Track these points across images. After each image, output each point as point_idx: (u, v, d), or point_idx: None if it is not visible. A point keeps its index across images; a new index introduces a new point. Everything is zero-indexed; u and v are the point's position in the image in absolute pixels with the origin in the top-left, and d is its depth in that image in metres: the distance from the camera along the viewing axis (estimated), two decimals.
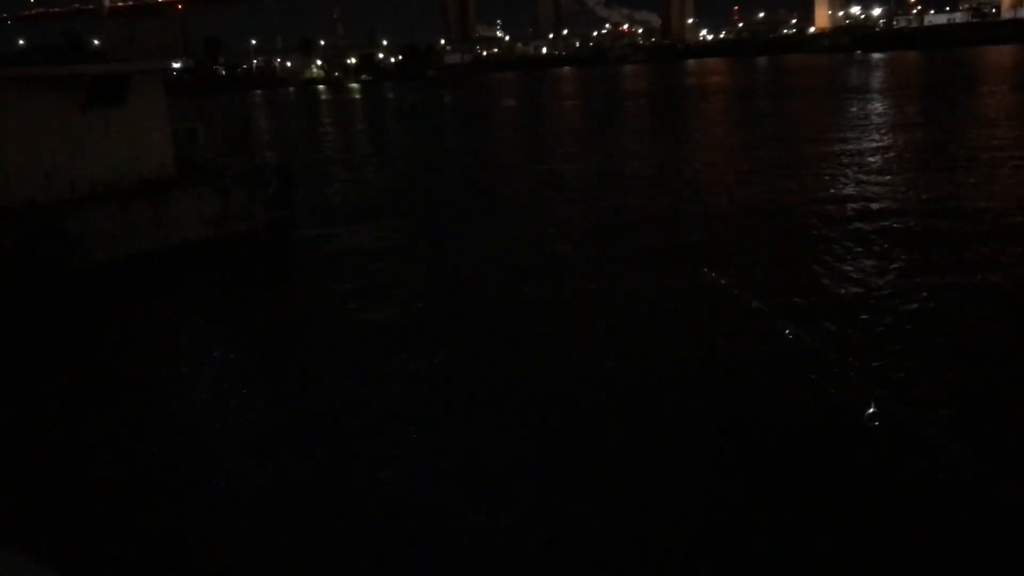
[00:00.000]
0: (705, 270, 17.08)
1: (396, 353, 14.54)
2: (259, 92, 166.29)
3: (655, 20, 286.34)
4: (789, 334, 12.85)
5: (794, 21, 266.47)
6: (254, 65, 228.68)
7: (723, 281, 15.64)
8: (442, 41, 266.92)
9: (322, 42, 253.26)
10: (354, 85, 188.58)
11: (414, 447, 11.15)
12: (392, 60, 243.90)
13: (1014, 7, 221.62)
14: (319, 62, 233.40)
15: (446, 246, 23.08)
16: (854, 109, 54.19)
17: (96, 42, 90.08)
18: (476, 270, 20.16)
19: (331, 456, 10.99)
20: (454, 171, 40.29)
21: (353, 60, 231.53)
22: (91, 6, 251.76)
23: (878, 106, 55.58)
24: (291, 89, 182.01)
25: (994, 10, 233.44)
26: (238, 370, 14.93)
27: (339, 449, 11.20)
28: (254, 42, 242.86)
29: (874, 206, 23.84)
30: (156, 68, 25.08)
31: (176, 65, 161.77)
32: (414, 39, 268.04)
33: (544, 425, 11.46)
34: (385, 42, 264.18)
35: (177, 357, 15.75)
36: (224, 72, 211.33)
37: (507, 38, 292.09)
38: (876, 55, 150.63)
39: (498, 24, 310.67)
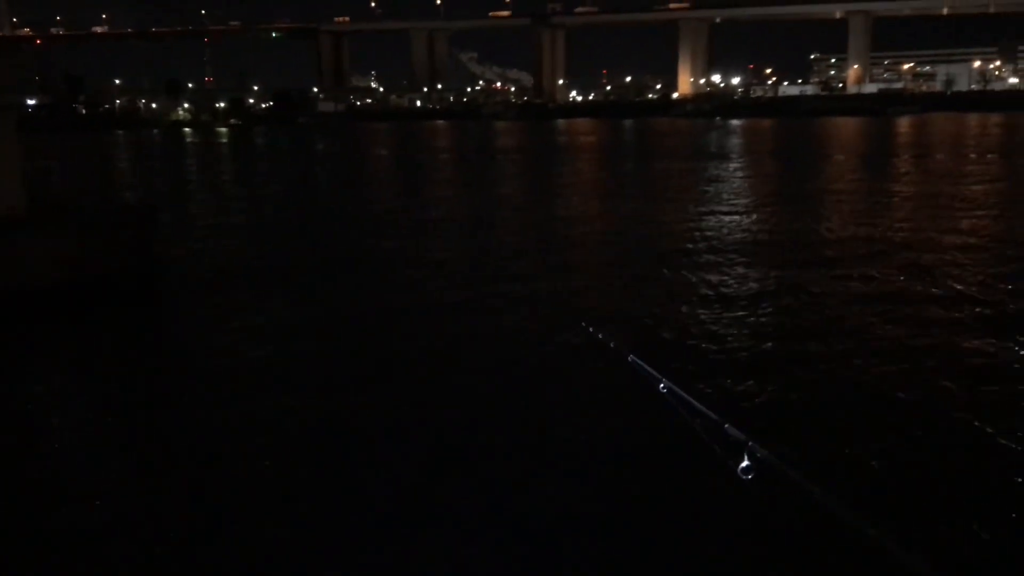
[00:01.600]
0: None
1: (259, 405, 14.21)
2: (121, 132, 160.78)
3: (527, 79, 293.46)
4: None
5: (659, 86, 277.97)
6: (117, 104, 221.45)
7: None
8: (315, 89, 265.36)
9: (190, 84, 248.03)
10: (223, 129, 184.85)
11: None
12: (263, 105, 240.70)
13: (858, 82, 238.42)
14: (186, 104, 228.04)
15: (314, 295, 22.75)
16: (713, 171, 56.88)
17: None
18: (347, 316, 19.98)
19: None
20: (324, 220, 39.89)
21: (222, 104, 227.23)
22: None
23: (734, 165, 58.52)
24: (155, 131, 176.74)
25: (841, 84, 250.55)
26: (84, 430, 14.23)
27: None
28: (118, 81, 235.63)
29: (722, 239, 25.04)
30: (6, 104, 23.99)
31: (31, 101, 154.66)
32: (286, 85, 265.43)
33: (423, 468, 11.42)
34: (256, 87, 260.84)
35: (12, 413, 14.90)
36: (85, 110, 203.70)
37: (381, 89, 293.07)
38: (735, 122, 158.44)
39: (372, 75, 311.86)
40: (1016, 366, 15.15)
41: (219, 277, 25.47)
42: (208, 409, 14.16)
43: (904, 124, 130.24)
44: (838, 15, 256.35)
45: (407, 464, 11.77)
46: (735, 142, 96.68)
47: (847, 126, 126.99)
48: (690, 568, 9.34)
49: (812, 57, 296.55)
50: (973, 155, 66.63)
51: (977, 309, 18.98)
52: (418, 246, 30.13)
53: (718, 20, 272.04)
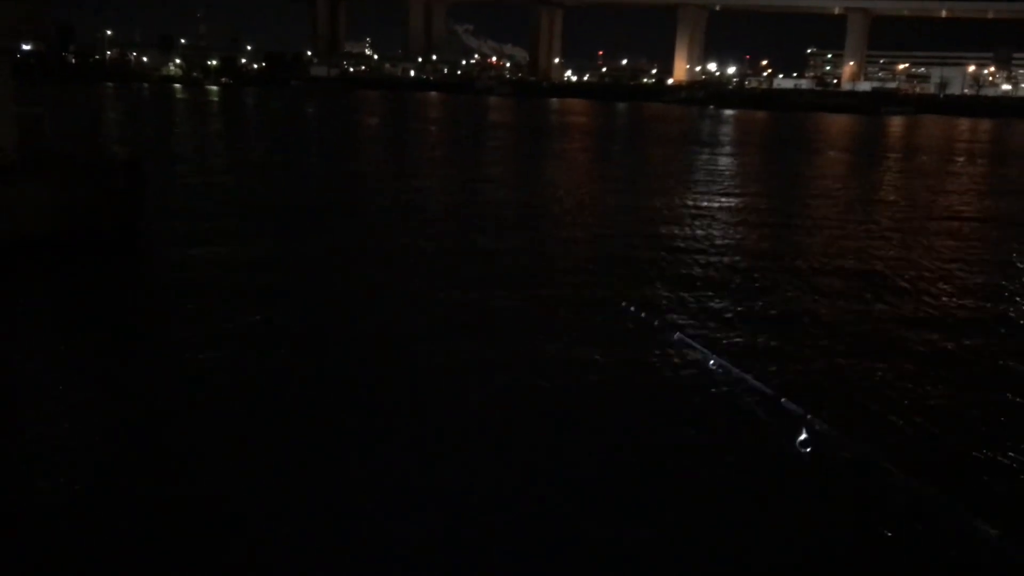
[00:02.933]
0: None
1: (244, 366, 14.27)
2: (111, 85, 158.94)
3: (523, 56, 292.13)
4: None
5: (654, 71, 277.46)
6: (107, 56, 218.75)
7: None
8: (308, 53, 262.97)
9: (183, 40, 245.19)
10: (213, 87, 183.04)
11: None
12: (255, 66, 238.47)
13: (853, 80, 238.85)
14: (177, 60, 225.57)
15: (300, 259, 22.72)
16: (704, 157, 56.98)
17: None
18: (332, 288, 19.97)
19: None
20: (312, 185, 39.73)
21: (214, 62, 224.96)
22: None
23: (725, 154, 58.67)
24: (145, 85, 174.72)
25: (835, 80, 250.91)
26: (62, 388, 14.23)
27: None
28: (109, 33, 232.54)
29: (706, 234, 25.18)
30: (3, 48, 23.65)
31: (26, 47, 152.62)
32: (280, 47, 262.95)
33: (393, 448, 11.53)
34: (249, 47, 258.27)
35: None
36: (75, 61, 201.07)
37: (375, 57, 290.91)
38: (728, 111, 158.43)
39: (367, 42, 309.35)
40: None
41: (203, 231, 25.38)
42: (177, 349, 14.22)
43: (896, 124, 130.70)
44: (837, 11, 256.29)
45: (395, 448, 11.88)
46: (729, 132, 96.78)
47: (840, 122, 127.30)
48: (747, 541, 9.42)
49: (808, 52, 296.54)
50: (961, 159, 67.08)
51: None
52: (399, 224, 30.09)
53: (717, 8, 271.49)
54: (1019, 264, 24.99)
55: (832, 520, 9.57)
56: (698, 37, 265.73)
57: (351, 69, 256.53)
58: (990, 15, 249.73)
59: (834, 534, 9.37)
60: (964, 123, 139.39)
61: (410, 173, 44.83)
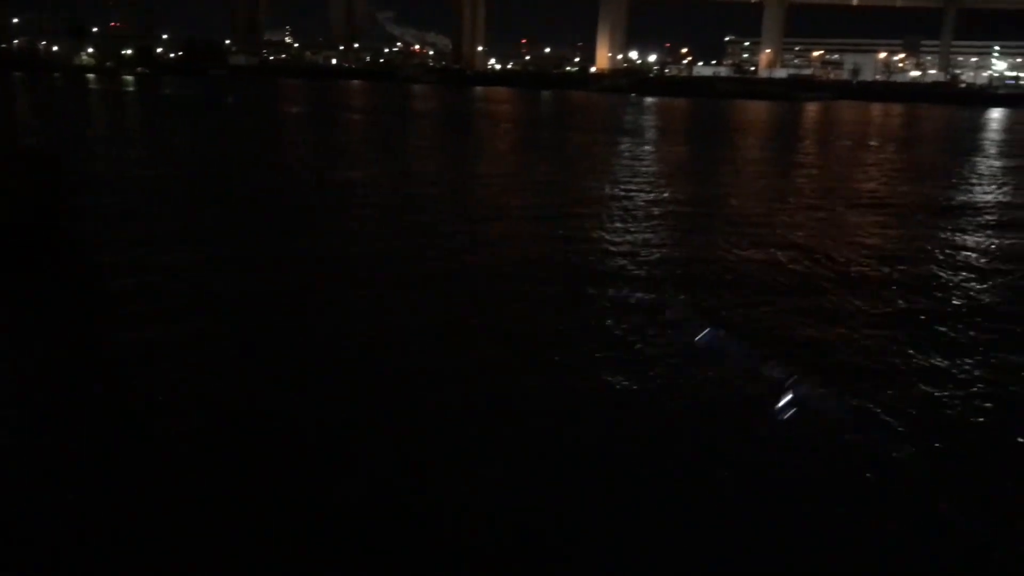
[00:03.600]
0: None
1: (169, 369, 14.11)
2: (19, 75, 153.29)
3: (445, 44, 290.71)
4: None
5: (577, 60, 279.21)
6: (15, 45, 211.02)
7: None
8: (227, 41, 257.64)
9: (95, 29, 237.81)
10: (129, 77, 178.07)
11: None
12: (172, 55, 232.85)
13: (770, 67, 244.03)
14: (90, 49, 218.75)
15: (218, 255, 22.37)
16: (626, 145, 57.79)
17: None
18: (257, 286, 19.75)
19: None
20: (232, 175, 39.12)
21: (129, 51, 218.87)
22: None
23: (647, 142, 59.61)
24: (57, 75, 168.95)
25: (753, 68, 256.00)
26: None
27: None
28: (16, 21, 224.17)
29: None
30: None
31: None
32: (198, 35, 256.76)
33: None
34: (166, 36, 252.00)
35: None
36: None
37: (296, 45, 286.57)
38: (649, 99, 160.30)
39: (288, 30, 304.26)
40: None
41: (122, 226, 24.84)
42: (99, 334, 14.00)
43: (813, 110, 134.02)
44: None
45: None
46: (651, 120, 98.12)
47: (758, 109, 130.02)
48: (728, 504, 9.71)
49: (727, 39, 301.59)
50: (875, 143, 69.29)
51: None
52: (338, 201, 29.92)
53: None
54: (935, 238, 26.04)
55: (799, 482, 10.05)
56: (620, 25, 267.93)
57: (272, 58, 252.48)
58: (898, 3, 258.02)
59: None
60: (877, 108, 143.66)
61: (337, 163, 44.48)
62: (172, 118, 78.91)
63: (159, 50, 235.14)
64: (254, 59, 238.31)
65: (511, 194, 34.44)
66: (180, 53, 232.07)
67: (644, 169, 44.12)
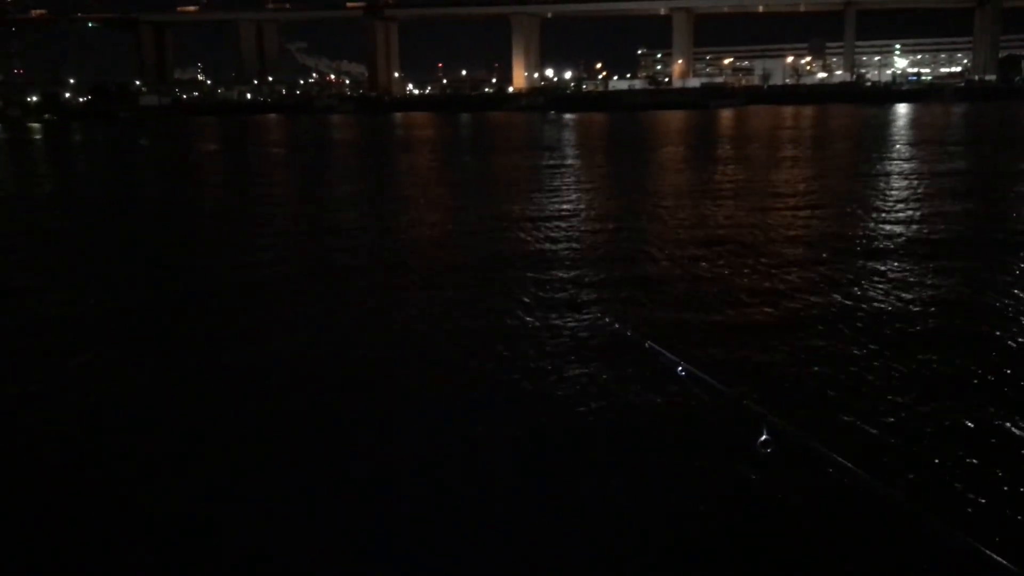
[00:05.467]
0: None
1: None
2: None
3: (361, 72, 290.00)
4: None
5: (494, 80, 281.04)
6: None
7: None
8: (137, 82, 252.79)
9: None
10: (35, 125, 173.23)
11: None
12: (80, 99, 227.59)
13: (683, 77, 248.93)
14: None
15: (161, 302, 21.46)
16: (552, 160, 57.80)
17: None
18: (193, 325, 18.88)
19: None
20: (147, 216, 37.89)
21: (34, 98, 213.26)
22: None
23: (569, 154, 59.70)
24: None
25: (667, 79, 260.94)
26: None
27: None
28: None
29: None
30: None
31: None
32: (106, 78, 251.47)
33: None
34: (72, 80, 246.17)
35: None
36: None
37: (208, 82, 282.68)
38: (568, 115, 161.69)
39: (199, 67, 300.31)
40: None
41: (34, 281, 23.67)
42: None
43: (727, 116, 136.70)
44: (663, 11, 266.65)
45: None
46: (570, 136, 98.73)
47: (674, 119, 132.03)
48: (705, 540, 9.15)
49: (639, 52, 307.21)
50: (788, 144, 70.68)
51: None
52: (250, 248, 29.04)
53: (549, 15, 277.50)
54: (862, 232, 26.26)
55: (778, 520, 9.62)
56: (534, 44, 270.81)
57: (184, 96, 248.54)
58: (802, 8, 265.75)
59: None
60: (788, 110, 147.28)
61: (257, 199, 43.45)
62: (82, 164, 76.58)
63: (67, 95, 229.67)
64: (166, 99, 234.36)
65: (433, 213, 33.94)
66: (88, 97, 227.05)
67: (566, 182, 44.05)
